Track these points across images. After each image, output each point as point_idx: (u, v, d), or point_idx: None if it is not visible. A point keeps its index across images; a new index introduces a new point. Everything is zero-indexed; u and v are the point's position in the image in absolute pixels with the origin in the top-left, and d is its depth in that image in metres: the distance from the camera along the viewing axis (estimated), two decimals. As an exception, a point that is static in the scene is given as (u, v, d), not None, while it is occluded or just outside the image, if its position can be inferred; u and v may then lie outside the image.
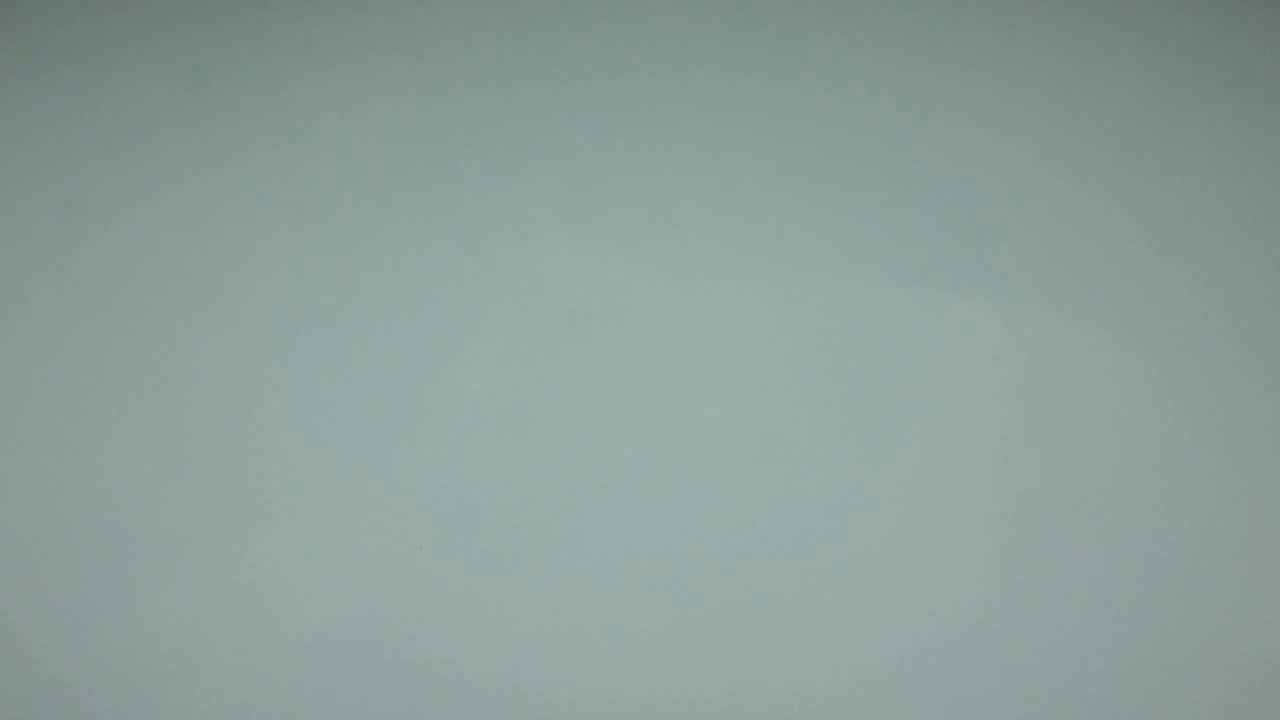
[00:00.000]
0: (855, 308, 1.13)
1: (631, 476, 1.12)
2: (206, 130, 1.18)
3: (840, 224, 1.14)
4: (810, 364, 1.13)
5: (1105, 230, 1.14)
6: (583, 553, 1.12)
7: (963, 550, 1.10)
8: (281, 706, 1.11)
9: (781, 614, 1.11)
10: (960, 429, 1.12)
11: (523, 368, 1.14)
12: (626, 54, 1.17)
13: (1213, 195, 1.14)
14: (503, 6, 1.19)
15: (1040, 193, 1.14)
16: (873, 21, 1.17)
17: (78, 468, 1.13)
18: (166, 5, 1.19)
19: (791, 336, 1.13)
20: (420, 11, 1.19)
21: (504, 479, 1.12)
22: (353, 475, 1.13)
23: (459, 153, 1.16)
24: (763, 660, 1.10)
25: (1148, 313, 1.13)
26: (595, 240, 1.15)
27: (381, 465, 1.13)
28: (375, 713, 1.10)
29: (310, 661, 1.11)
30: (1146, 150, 1.15)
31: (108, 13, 1.20)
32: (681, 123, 1.16)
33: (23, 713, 1.11)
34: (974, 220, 1.14)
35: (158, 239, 1.16)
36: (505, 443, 1.13)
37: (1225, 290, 1.13)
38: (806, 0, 1.17)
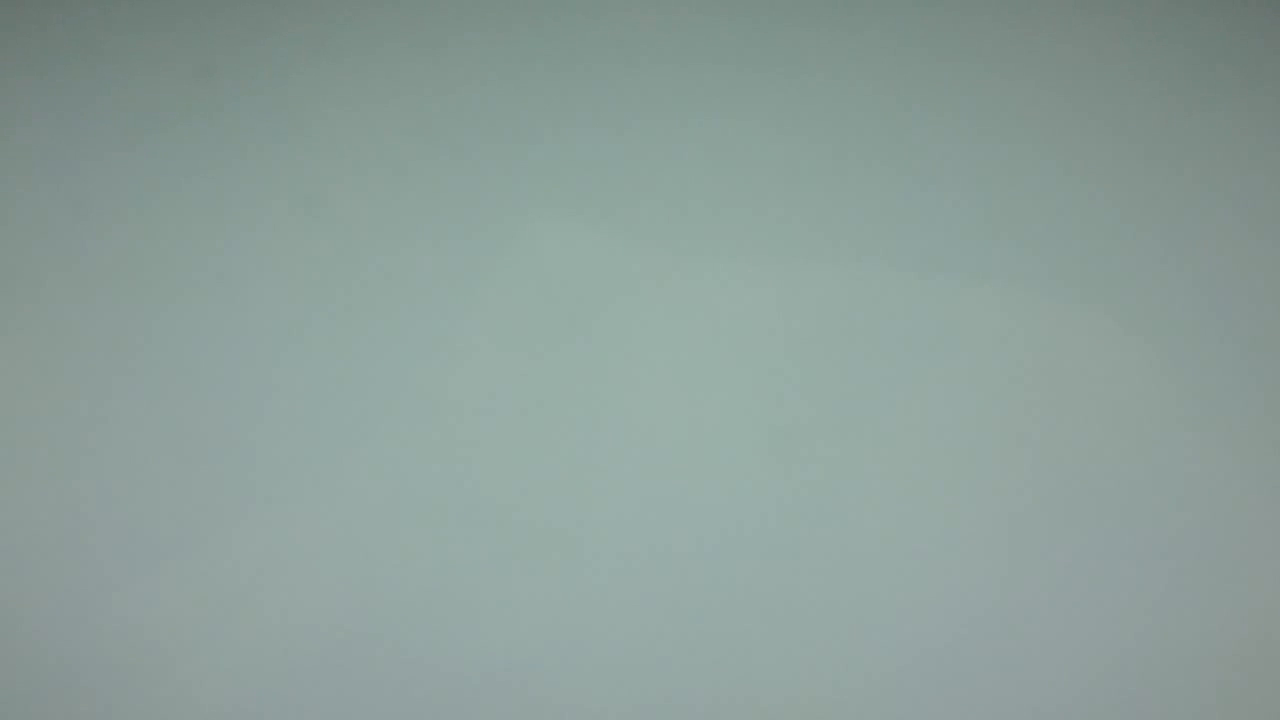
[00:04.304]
0: (861, 299, 1.13)
1: (634, 468, 1.12)
2: (213, 122, 1.18)
3: (846, 215, 1.15)
4: (815, 356, 1.13)
5: (1112, 223, 1.14)
6: (583, 545, 1.12)
7: (968, 540, 1.10)
8: (277, 694, 1.11)
9: (786, 609, 1.11)
10: (966, 420, 1.12)
11: (527, 359, 1.14)
12: (631, 46, 1.17)
13: (1220, 189, 1.14)
14: (508, 2, 1.19)
15: (1047, 185, 1.14)
16: (879, 15, 1.17)
17: (82, 458, 1.14)
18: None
19: (796, 328, 1.13)
20: (426, 5, 1.19)
21: (506, 470, 1.13)
22: (355, 466, 1.13)
23: (465, 145, 1.17)
24: (767, 655, 1.10)
25: (1154, 305, 1.13)
26: (601, 232, 1.15)
27: (384, 457, 1.13)
28: (371, 700, 1.11)
29: (307, 650, 1.11)
30: (1153, 143, 1.15)
31: (114, 6, 1.20)
32: (687, 114, 1.16)
33: (23, 695, 1.11)
34: (981, 212, 1.14)
35: (164, 230, 1.17)
36: (507, 434, 1.13)
37: (1233, 284, 1.13)
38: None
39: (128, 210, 1.17)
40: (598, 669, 1.10)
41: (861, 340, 1.13)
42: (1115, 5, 1.18)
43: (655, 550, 1.11)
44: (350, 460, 1.13)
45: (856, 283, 1.14)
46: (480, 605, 1.11)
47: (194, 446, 1.13)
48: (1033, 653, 1.09)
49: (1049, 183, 1.15)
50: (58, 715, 1.11)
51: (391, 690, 1.10)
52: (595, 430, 1.13)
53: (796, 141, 1.15)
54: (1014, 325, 1.13)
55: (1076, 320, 1.13)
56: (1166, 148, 1.15)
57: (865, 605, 1.10)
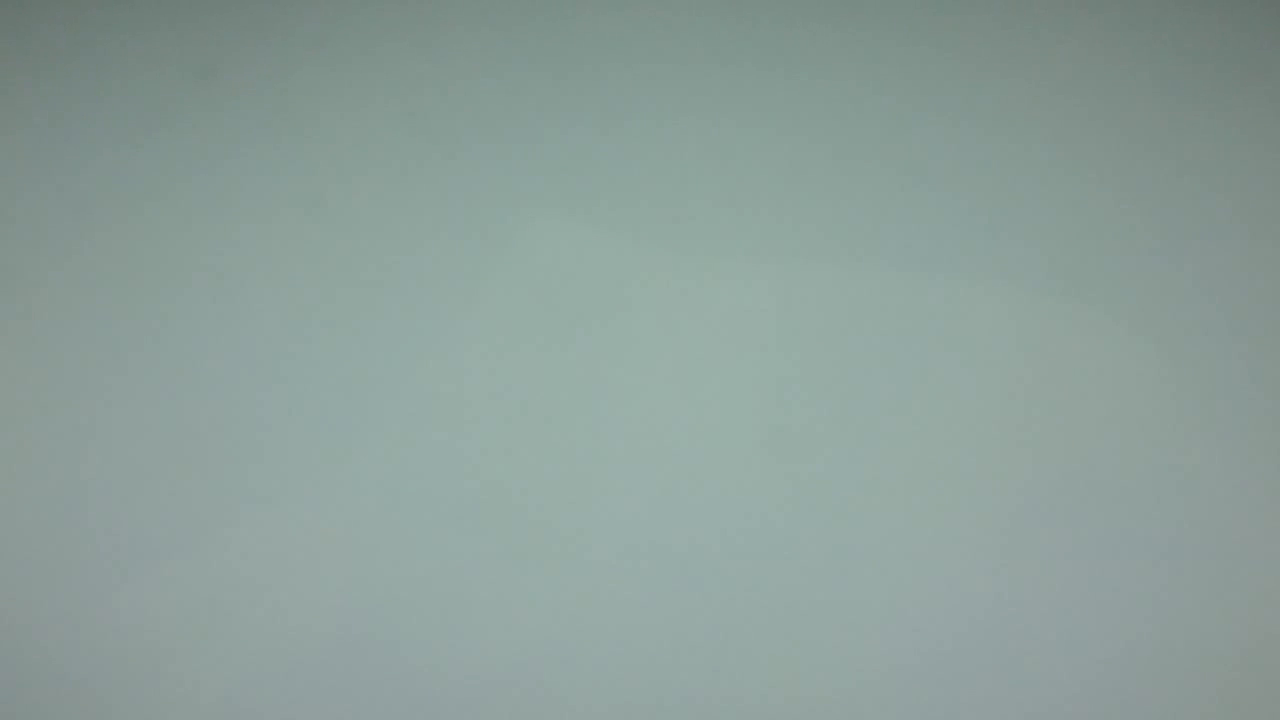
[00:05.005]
0: (861, 297, 1.14)
1: (634, 466, 1.12)
2: (213, 123, 1.18)
3: (847, 214, 1.15)
4: (816, 354, 1.13)
5: (1113, 222, 1.14)
6: (583, 543, 1.12)
7: (968, 539, 1.10)
8: (277, 693, 1.11)
9: (787, 607, 1.11)
10: (966, 419, 1.12)
11: (527, 357, 1.14)
12: (632, 45, 1.18)
13: (1221, 189, 1.15)
14: (507, 1, 1.19)
15: (1048, 184, 1.15)
16: (880, 13, 1.17)
17: (82, 456, 1.14)
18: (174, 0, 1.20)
19: (798, 327, 1.14)
20: (426, 5, 1.19)
21: (506, 468, 1.13)
22: (355, 465, 1.13)
23: (465, 144, 1.17)
24: (768, 653, 1.10)
25: (1155, 305, 1.13)
26: (601, 230, 1.15)
27: (383, 455, 1.13)
28: (372, 700, 1.11)
29: (308, 649, 1.11)
30: (1154, 143, 1.15)
31: (115, 7, 1.20)
32: (687, 113, 1.16)
33: (23, 695, 1.11)
34: (982, 211, 1.14)
35: (162, 230, 1.17)
36: (507, 433, 1.13)
37: (1234, 283, 1.13)
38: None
39: (128, 210, 1.17)
40: (598, 668, 1.10)
41: (862, 339, 1.13)
42: (1115, 5, 1.18)
43: (657, 548, 1.11)
44: (350, 459, 1.13)
45: (857, 281, 1.14)
46: (480, 603, 1.11)
47: (193, 445, 1.13)
48: (1034, 652, 1.09)
49: (1050, 182, 1.15)
50: (57, 715, 1.11)
51: (393, 690, 1.11)
52: (595, 428, 1.13)
53: (797, 140, 1.16)
54: (1015, 324, 1.13)
55: (1077, 319, 1.13)
56: (1167, 147, 1.15)
57: (867, 604, 1.10)
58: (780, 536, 1.11)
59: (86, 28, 1.20)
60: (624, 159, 1.16)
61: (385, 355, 1.14)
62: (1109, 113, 1.16)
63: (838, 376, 1.13)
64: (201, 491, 1.13)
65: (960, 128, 1.15)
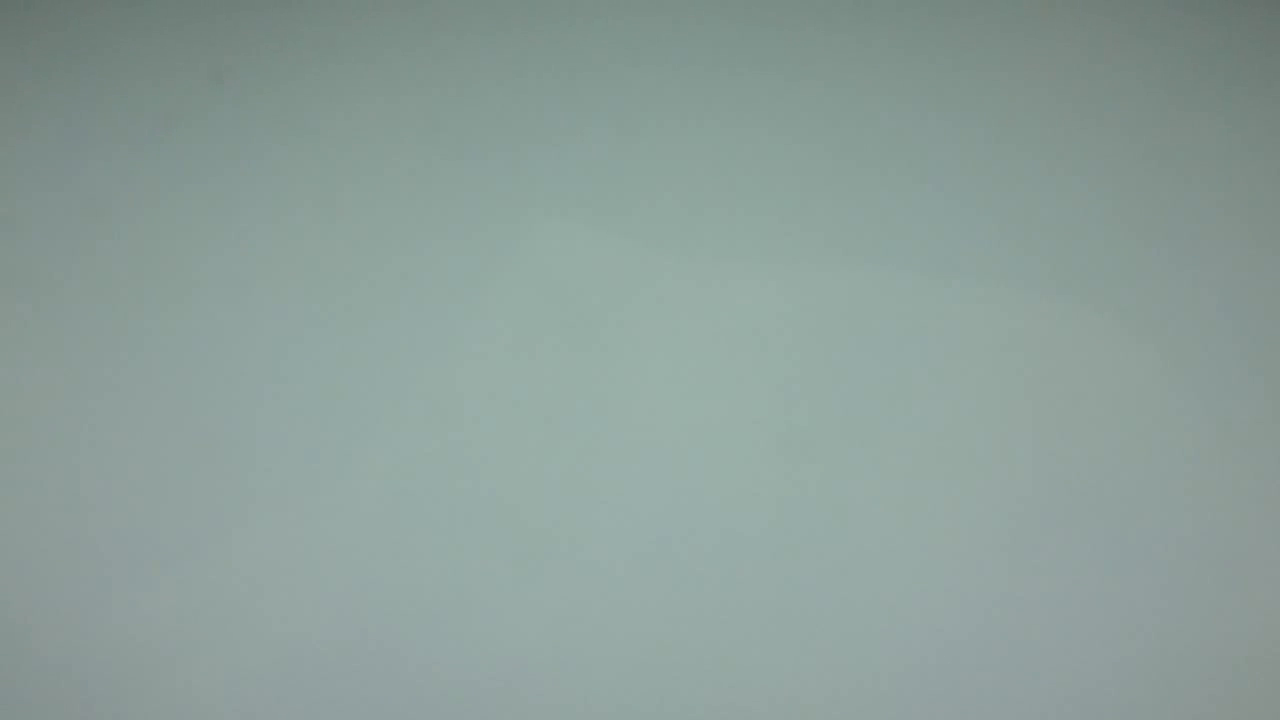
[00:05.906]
0: (867, 302, 1.14)
1: (641, 471, 1.12)
2: (225, 126, 1.18)
3: (854, 218, 1.15)
4: (822, 359, 1.13)
5: (1119, 227, 1.14)
6: (589, 549, 1.12)
7: (974, 543, 1.11)
8: (279, 700, 1.11)
9: (794, 611, 1.11)
10: (973, 423, 1.12)
11: (534, 362, 1.14)
12: (640, 49, 1.18)
13: (1224, 192, 1.15)
14: (518, 4, 1.19)
15: (1054, 189, 1.15)
16: (885, 18, 1.17)
17: (88, 461, 1.14)
18: (186, 4, 1.20)
19: (803, 331, 1.14)
20: (437, 9, 1.19)
21: (512, 473, 1.13)
22: (359, 470, 1.13)
23: (475, 148, 1.17)
24: (774, 658, 1.10)
25: (1163, 309, 1.13)
26: (609, 234, 1.15)
27: (388, 460, 1.13)
28: (374, 706, 1.11)
29: (310, 655, 1.11)
30: (1159, 146, 1.15)
31: (128, 11, 1.20)
32: (695, 117, 1.16)
33: (24, 701, 1.12)
34: (989, 216, 1.14)
35: (172, 233, 1.17)
36: (514, 437, 1.13)
37: (1237, 287, 1.13)
38: (817, -2, 1.18)
39: (139, 213, 1.17)
40: (604, 673, 1.10)
41: (868, 343, 1.13)
42: (1116, 6, 1.18)
43: (662, 553, 1.11)
44: (355, 464, 1.13)
45: (864, 286, 1.14)
46: (485, 609, 1.11)
47: (198, 450, 1.14)
48: (1037, 655, 1.09)
49: (1056, 187, 1.15)
50: (60, 718, 1.12)
51: (395, 696, 1.11)
52: (602, 433, 1.13)
53: (804, 145, 1.16)
54: (1021, 329, 1.13)
55: (1084, 324, 1.13)
56: (1171, 150, 1.15)
57: (873, 608, 1.10)
58: (787, 540, 1.11)
59: (98, 31, 1.20)
60: (632, 163, 1.16)
61: (394, 360, 1.14)
62: (1111, 116, 1.16)
63: (845, 380, 1.13)
64: (206, 495, 1.13)
65: (967, 132, 1.15)
